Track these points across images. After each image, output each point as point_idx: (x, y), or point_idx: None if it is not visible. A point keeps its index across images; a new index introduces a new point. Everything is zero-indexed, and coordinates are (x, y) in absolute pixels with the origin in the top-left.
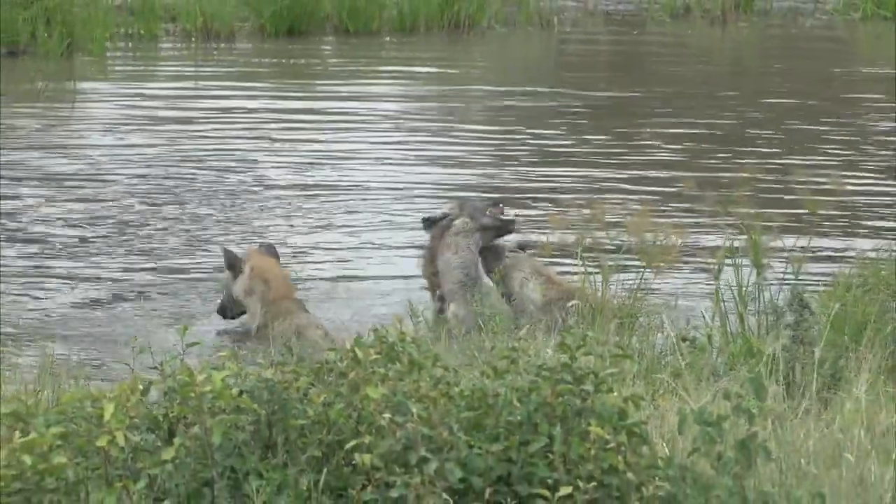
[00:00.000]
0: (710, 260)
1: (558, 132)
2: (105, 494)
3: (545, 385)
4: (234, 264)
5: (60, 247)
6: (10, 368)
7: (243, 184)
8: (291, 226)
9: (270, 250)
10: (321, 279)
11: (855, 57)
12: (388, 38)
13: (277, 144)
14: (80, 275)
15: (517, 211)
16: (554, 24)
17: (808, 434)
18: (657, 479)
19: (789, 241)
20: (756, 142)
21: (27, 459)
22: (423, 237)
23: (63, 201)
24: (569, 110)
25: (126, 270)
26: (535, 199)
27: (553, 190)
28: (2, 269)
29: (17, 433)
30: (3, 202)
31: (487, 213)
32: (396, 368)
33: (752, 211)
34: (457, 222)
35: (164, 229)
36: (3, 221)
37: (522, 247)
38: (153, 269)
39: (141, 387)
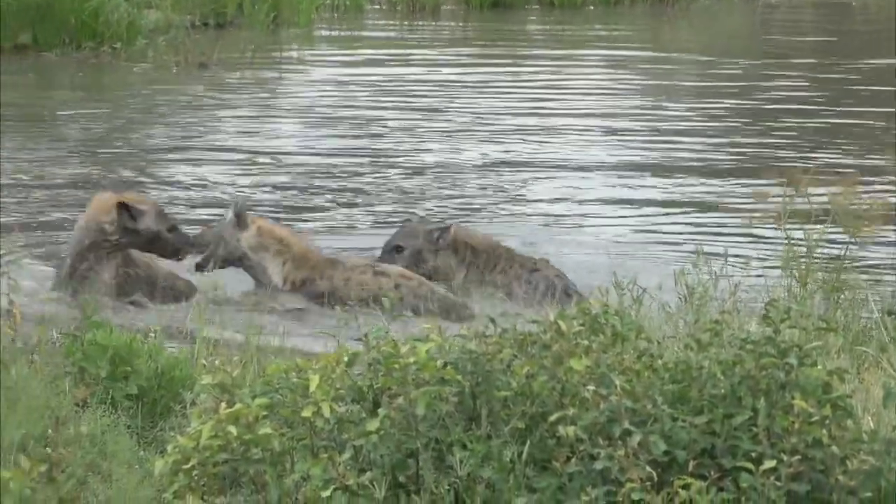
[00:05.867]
0: None
1: (764, 101)
2: (311, 465)
3: (749, 358)
4: None
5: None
6: (217, 339)
7: (447, 154)
8: (494, 197)
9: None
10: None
11: None
12: (592, 10)
13: (483, 116)
14: None
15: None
16: None
17: None
18: (861, 452)
19: None
20: None
21: (233, 430)
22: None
23: (266, 173)
24: (775, 79)
25: (330, 240)
26: (742, 167)
27: (763, 152)
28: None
29: (224, 404)
30: (205, 175)
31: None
32: (600, 341)
33: None
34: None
35: (367, 202)
36: (203, 193)
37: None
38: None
39: (346, 358)
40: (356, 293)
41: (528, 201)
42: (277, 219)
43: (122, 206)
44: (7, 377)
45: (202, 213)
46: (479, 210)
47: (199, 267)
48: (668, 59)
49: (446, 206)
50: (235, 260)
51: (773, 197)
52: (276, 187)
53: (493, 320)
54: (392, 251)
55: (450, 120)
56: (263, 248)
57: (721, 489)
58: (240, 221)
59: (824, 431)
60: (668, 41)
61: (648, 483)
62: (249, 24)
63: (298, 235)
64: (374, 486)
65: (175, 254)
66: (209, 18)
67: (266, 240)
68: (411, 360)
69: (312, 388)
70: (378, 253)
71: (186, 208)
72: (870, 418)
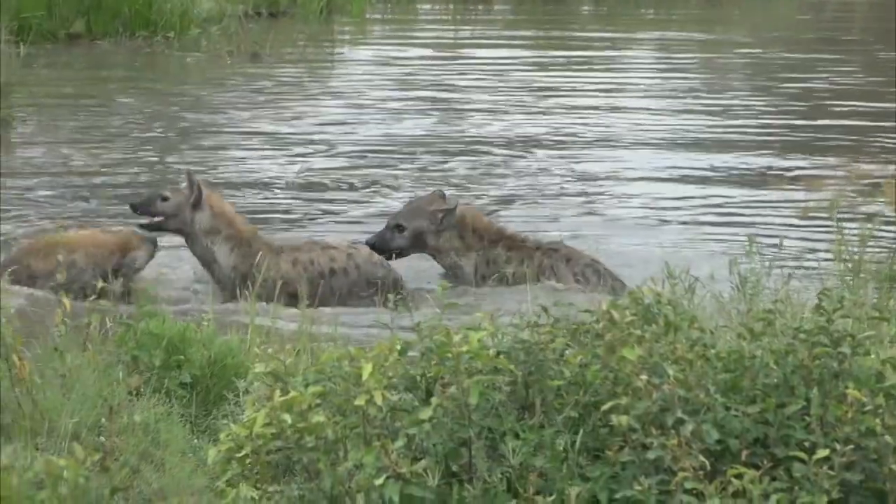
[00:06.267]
0: None
1: (818, 84)
2: (364, 453)
3: (802, 347)
4: None
5: (313, 205)
6: (271, 328)
7: (502, 137)
8: (549, 178)
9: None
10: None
11: None
12: None
13: (537, 106)
14: (335, 231)
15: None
16: None
17: None
18: None
19: None
20: None
21: (287, 418)
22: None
23: (319, 158)
24: (829, 64)
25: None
26: (796, 151)
27: (817, 136)
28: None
29: (277, 392)
30: (263, 165)
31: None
32: (653, 330)
33: None
34: None
35: (421, 185)
36: (263, 184)
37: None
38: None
39: (399, 347)
40: (309, 271)
41: (582, 181)
42: (331, 201)
43: (124, 256)
44: (61, 366)
45: (254, 197)
46: (532, 191)
47: (146, 227)
48: (721, 44)
49: (502, 188)
50: (183, 235)
51: (827, 182)
52: (328, 171)
53: (545, 309)
54: (393, 229)
55: (505, 102)
56: (216, 232)
57: (774, 478)
58: (195, 198)
59: (877, 421)
60: (722, 26)
61: (701, 472)
62: (302, 13)
63: (243, 217)
64: (426, 474)
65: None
66: (262, 8)
67: (219, 222)
68: (464, 348)
69: (365, 376)
70: None
71: (238, 191)
72: None
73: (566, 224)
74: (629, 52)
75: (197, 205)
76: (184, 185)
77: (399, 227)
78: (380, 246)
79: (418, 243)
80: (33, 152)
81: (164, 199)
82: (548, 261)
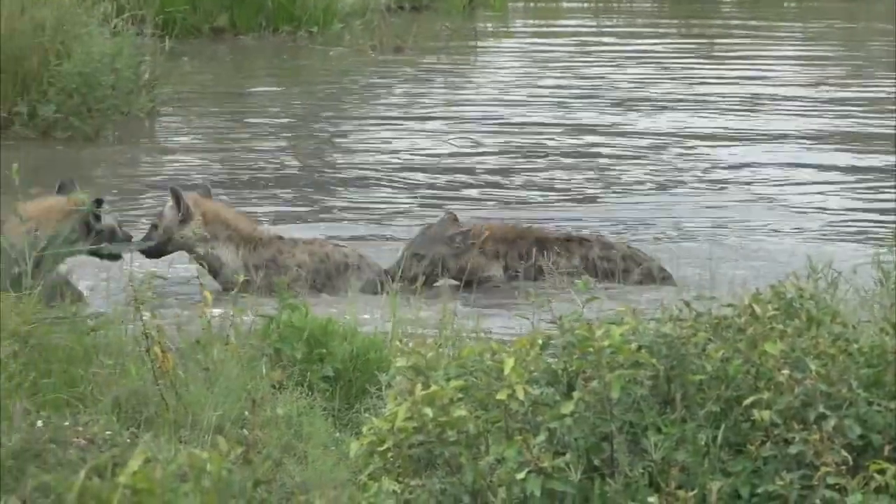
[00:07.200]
0: None
1: None
2: (505, 447)
3: None
4: None
5: (457, 191)
6: (412, 323)
7: (644, 130)
8: (690, 169)
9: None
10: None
11: None
12: None
13: (680, 96)
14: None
15: None
16: None
17: None
18: None
19: None
20: None
21: (428, 412)
22: None
23: (463, 148)
24: None
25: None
26: None
27: None
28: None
29: (419, 386)
30: (409, 155)
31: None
32: (795, 324)
33: None
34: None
35: (563, 177)
36: (404, 170)
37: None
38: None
39: (540, 341)
40: (326, 267)
41: (724, 171)
42: (474, 196)
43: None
44: (204, 359)
45: (404, 185)
46: (674, 181)
47: (148, 253)
48: (866, 34)
49: (644, 177)
50: (186, 251)
51: None
52: (471, 160)
53: (687, 304)
54: (412, 258)
55: (648, 92)
56: (214, 238)
57: None
58: (183, 213)
59: None
60: (867, 17)
61: (843, 467)
62: (445, 6)
63: (243, 214)
64: (568, 468)
65: (118, 252)
66: (405, 2)
67: (214, 227)
68: (605, 343)
69: (507, 370)
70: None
71: (386, 180)
72: None
73: (709, 215)
74: (772, 43)
75: (185, 219)
76: (169, 204)
77: (417, 256)
78: (398, 274)
79: (439, 269)
80: (178, 143)
81: (155, 227)
82: (591, 253)
